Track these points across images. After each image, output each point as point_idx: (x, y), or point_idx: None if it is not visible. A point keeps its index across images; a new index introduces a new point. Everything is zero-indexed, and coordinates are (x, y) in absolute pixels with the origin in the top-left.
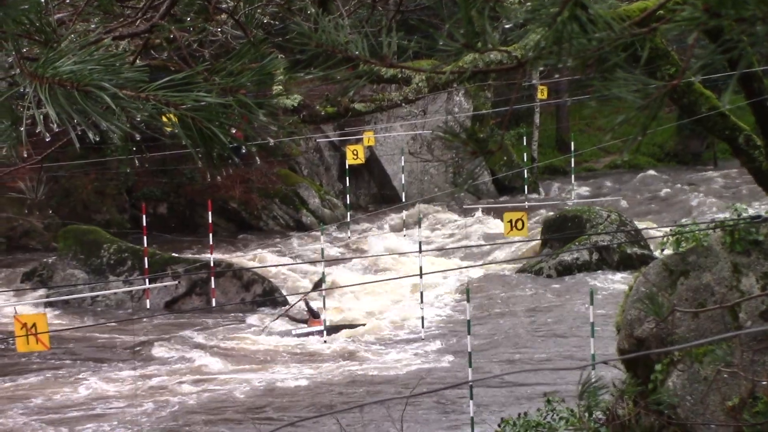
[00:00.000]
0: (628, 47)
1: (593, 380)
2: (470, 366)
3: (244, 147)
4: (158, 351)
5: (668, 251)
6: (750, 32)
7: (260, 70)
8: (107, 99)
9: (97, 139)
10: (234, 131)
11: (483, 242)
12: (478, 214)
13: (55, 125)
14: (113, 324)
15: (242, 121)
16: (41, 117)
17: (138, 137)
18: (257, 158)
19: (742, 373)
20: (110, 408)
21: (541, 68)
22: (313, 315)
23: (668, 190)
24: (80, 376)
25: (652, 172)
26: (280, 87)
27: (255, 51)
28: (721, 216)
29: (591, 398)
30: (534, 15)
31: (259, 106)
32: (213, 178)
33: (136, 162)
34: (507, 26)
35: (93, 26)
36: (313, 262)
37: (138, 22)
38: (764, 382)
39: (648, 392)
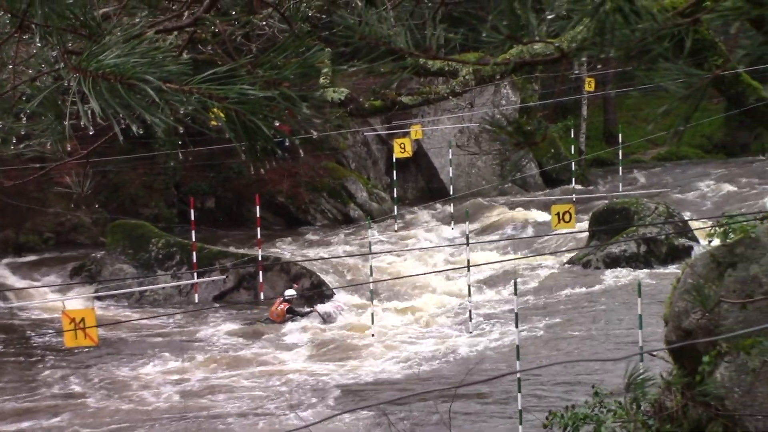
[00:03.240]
0: (675, 38)
1: (640, 372)
2: (518, 359)
3: (287, 140)
4: (206, 345)
5: (716, 243)
6: None
7: (303, 63)
8: (151, 92)
9: (141, 132)
10: (278, 124)
11: (531, 235)
12: (527, 208)
13: (99, 118)
14: (162, 318)
15: (286, 114)
16: (88, 112)
17: (182, 131)
18: (301, 151)
19: None
20: (156, 402)
21: (585, 59)
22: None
23: (716, 181)
24: (128, 370)
25: (699, 163)
26: (327, 80)
27: (299, 43)
28: None
29: (638, 390)
30: (577, 6)
31: (303, 99)
32: (257, 171)
33: (180, 155)
34: (549, 17)
35: (138, 20)
36: (360, 255)
37: (185, 15)
38: None
39: (695, 384)
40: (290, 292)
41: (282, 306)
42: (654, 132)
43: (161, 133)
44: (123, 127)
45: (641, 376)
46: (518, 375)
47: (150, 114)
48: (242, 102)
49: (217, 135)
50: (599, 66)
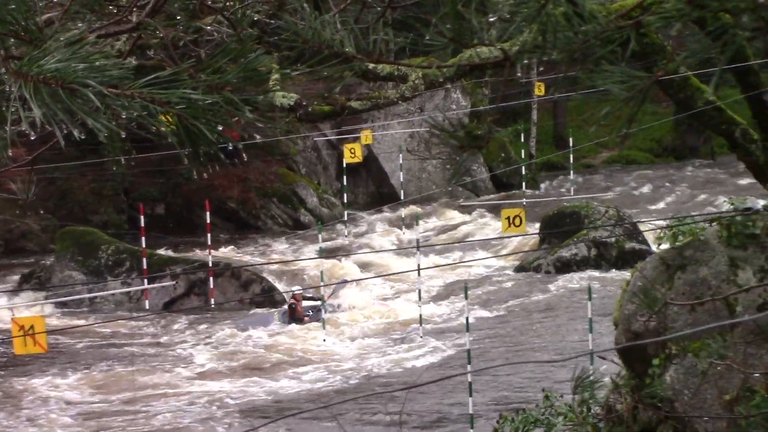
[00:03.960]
0: (619, 41)
1: (588, 374)
2: (469, 362)
3: (230, 144)
4: (156, 352)
5: (665, 246)
6: (735, 23)
7: (246, 67)
8: (92, 97)
9: (83, 137)
10: (222, 129)
11: (481, 239)
12: (477, 212)
13: (40, 124)
14: (111, 324)
15: (230, 119)
16: (36, 117)
17: (124, 135)
18: (244, 156)
19: (735, 366)
20: (107, 409)
21: (531, 62)
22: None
23: (666, 184)
24: (78, 378)
25: (649, 167)
26: (274, 84)
27: (242, 48)
28: (717, 210)
29: (586, 392)
30: (519, 8)
31: (246, 104)
32: (200, 176)
33: (122, 161)
34: (491, 19)
35: (80, 25)
36: (310, 260)
37: (134, 19)
38: (757, 375)
39: (644, 386)
40: (296, 288)
41: (298, 304)
42: (598, 134)
43: (104, 139)
44: (65, 132)
45: (589, 378)
46: (469, 379)
47: (92, 119)
48: (185, 106)
49: (165, 141)
50: (541, 68)
